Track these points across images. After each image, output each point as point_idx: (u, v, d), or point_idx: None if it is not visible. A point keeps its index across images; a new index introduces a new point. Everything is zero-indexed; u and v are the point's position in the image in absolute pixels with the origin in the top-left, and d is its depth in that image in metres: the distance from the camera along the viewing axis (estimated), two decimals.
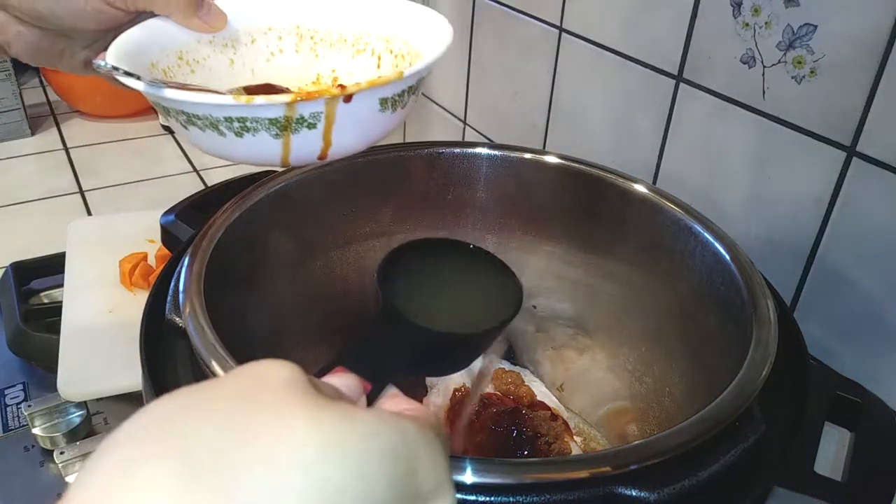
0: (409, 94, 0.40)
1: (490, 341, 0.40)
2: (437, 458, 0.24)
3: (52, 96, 1.33)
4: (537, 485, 0.34)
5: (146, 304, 0.47)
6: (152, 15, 0.43)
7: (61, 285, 0.78)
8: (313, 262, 0.61)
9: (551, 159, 0.61)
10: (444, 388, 0.57)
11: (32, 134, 1.21)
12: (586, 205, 0.60)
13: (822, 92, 0.56)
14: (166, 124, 1.24)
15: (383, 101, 0.38)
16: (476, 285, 0.45)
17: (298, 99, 0.35)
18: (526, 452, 0.52)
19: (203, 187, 1.09)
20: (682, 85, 0.68)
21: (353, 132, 0.38)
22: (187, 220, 0.58)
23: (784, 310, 0.49)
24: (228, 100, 0.34)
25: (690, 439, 0.36)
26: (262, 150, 0.37)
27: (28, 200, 1.04)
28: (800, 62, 0.57)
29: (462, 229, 0.65)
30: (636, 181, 0.57)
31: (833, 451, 0.52)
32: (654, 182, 0.74)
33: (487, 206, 0.64)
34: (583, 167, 0.60)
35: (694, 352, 0.53)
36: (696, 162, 0.69)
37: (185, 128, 0.38)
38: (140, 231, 0.84)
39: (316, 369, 0.28)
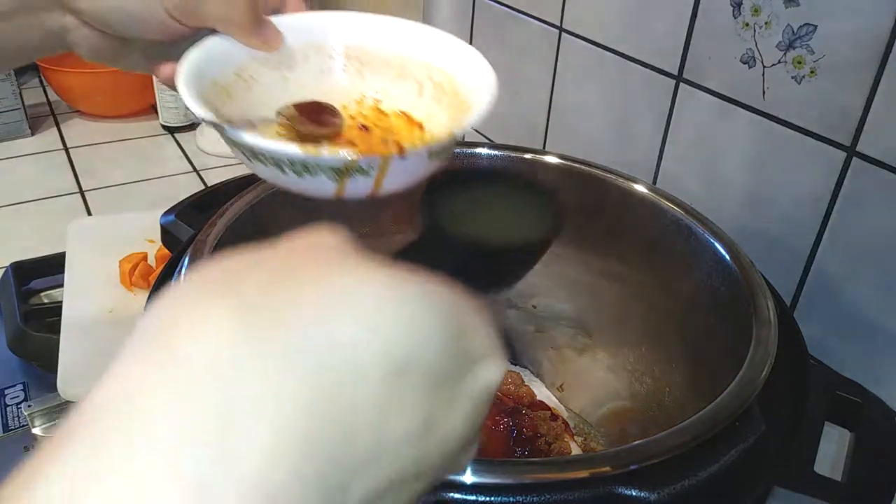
0: (453, 144, 0.43)
1: (534, 258, 0.41)
2: (484, 324, 0.24)
3: (52, 96, 1.33)
4: (537, 485, 0.34)
5: (146, 304, 0.47)
6: (212, 30, 0.45)
7: (61, 285, 0.78)
8: None
9: (551, 159, 0.61)
10: None
11: (32, 134, 1.21)
12: (586, 205, 0.60)
13: (822, 92, 0.56)
14: (166, 124, 1.24)
15: (431, 153, 0.41)
16: (517, 206, 0.45)
17: (360, 156, 0.37)
18: (526, 452, 0.52)
19: (203, 187, 1.09)
20: (682, 85, 0.68)
21: (402, 178, 0.41)
22: (187, 220, 0.58)
23: (784, 310, 0.49)
24: (296, 150, 0.37)
25: (690, 439, 0.36)
26: (318, 188, 0.40)
27: (28, 200, 1.04)
28: (800, 62, 0.57)
29: None
30: (636, 181, 0.58)
31: (833, 451, 0.52)
32: (654, 182, 0.74)
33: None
34: (583, 167, 0.60)
35: (694, 352, 0.53)
36: (696, 162, 0.69)
37: (249, 160, 0.40)
38: (140, 231, 0.84)
39: None
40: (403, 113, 0.49)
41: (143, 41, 0.46)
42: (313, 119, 0.47)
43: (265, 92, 0.48)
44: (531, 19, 0.85)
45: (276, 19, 0.47)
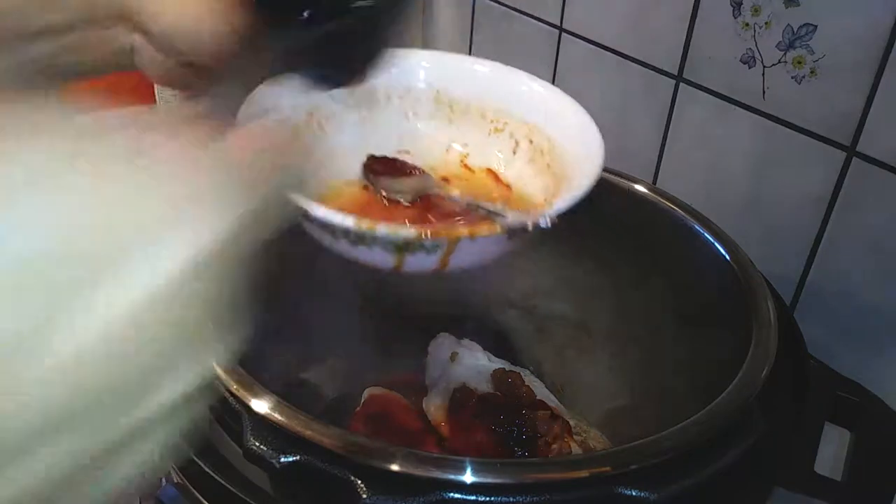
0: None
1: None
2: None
3: None
4: (537, 485, 0.34)
5: None
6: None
7: None
8: (313, 261, 0.61)
9: None
10: (444, 387, 0.57)
11: None
12: (587, 205, 0.60)
13: (822, 92, 0.56)
14: None
15: (511, 233, 0.36)
16: None
17: (423, 236, 0.34)
18: (526, 452, 0.51)
19: None
20: (682, 85, 0.68)
21: (470, 257, 0.37)
22: None
23: (784, 310, 0.49)
24: (350, 222, 0.33)
25: (690, 439, 0.36)
26: (374, 259, 0.36)
27: None
28: (800, 62, 0.57)
29: None
30: (636, 181, 0.58)
31: (833, 451, 0.52)
32: (654, 182, 0.74)
33: None
34: None
35: (694, 352, 0.53)
36: (696, 162, 0.69)
37: (302, 221, 0.37)
38: None
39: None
40: (491, 171, 0.45)
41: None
42: (392, 175, 0.42)
43: (340, 133, 0.44)
44: (531, 19, 0.85)
45: None
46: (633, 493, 0.34)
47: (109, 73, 0.45)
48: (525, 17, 0.86)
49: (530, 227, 0.34)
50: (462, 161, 0.46)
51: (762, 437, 0.38)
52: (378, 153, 0.44)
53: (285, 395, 0.37)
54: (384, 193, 0.41)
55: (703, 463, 0.36)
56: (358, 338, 0.62)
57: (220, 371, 0.39)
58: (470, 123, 0.46)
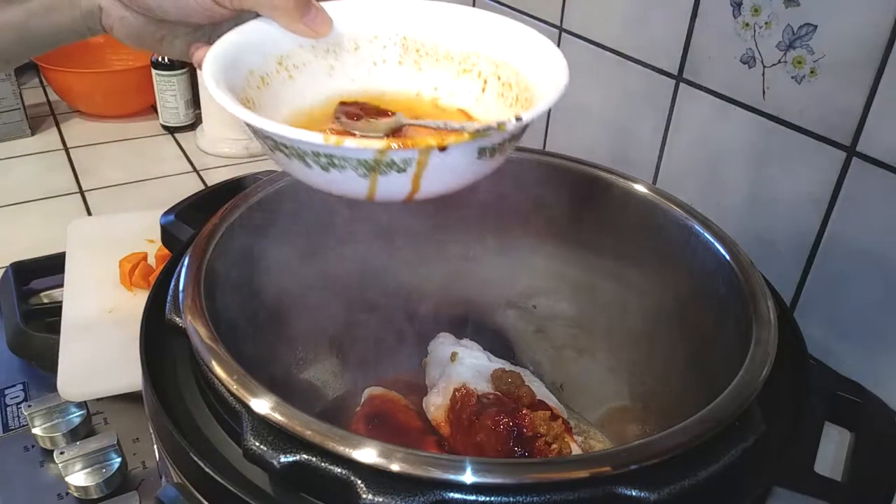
0: (510, 141, 0.38)
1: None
2: None
3: (52, 96, 1.33)
4: (537, 485, 0.34)
5: (146, 304, 0.47)
6: (255, 14, 0.43)
7: (61, 285, 0.78)
8: (313, 261, 0.61)
9: (551, 159, 0.61)
10: (444, 387, 0.57)
11: (32, 134, 1.21)
12: (587, 205, 0.60)
13: (822, 92, 0.56)
14: (166, 124, 1.24)
15: (482, 150, 0.36)
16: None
17: (392, 147, 0.33)
18: (526, 453, 0.51)
19: (203, 187, 1.09)
20: (682, 85, 0.68)
21: (444, 178, 0.37)
22: (187, 220, 0.58)
23: (784, 310, 0.49)
24: (318, 139, 0.33)
25: (690, 439, 0.36)
26: (347, 185, 0.36)
27: (28, 200, 1.04)
28: (800, 62, 0.57)
29: (462, 229, 0.65)
30: (636, 181, 0.58)
31: (833, 451, 0.52)
32: (654, 182, 0.74)
33: (487, 206, 0.64)
34: (583, 167, 0.60)
35: (694, 352, 0.53)
36: (696, 162, 0.69)
37: (272, 151, 0.37)
38: (140, 231, 0.84)
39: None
40: (463, 111, 0.45)
41: (184, 25, 0.44)
42: (362, 118, 0.42)
43: (309, 81, 0.44)
44: (531, 19, 0.85)
45: (328, 4, 0.44)
46: (633, 493, 0.34)
47: (82, 39, 0.45)
48: (525, 17, 0.86)
49: (496, 128, 0.34)
50: (433, 103, 0.46)
51: (762, 437, 0.38)
52: (348, 100, 0.44)
53: (285, 395, 0.37)
54: (357, 134, 0.41)
55: (703, 463, 0.36)
56: (358, 337, 0.62)
57: (220, 371, 0.39)
58: (438, 66, 0.46)
